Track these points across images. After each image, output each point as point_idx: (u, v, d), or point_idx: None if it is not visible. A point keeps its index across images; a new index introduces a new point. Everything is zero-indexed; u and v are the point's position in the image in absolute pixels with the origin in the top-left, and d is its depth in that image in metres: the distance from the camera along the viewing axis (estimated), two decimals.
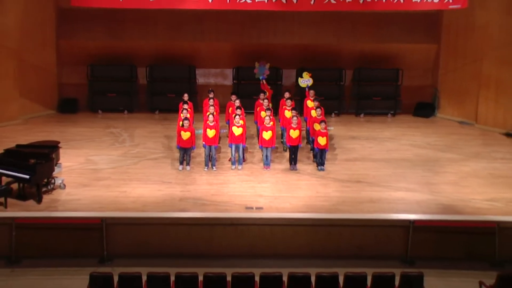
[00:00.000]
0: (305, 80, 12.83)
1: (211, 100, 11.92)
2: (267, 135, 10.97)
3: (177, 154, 11.29)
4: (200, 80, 15.32)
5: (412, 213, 9.39)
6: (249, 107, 12.86)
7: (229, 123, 11.38)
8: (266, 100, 11.95)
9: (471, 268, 8.75)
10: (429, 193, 10.24)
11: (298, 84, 13.88)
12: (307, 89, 12.68)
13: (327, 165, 11.26)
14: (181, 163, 11.01)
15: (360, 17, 14.85)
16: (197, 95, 14.88)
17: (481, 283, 7.81)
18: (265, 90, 12.73)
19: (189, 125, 10.99)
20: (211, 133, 10.85)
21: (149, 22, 14.92)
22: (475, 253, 9.05)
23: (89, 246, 8.99)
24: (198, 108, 13.65)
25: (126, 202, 9.66)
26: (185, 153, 10.96)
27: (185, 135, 10.77)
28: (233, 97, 12.26)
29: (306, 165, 11.42)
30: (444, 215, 9.44)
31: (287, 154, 11.63)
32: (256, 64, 13.21)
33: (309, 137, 11.86)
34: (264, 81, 13.08)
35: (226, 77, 14.87)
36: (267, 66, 13.22)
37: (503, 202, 9.86)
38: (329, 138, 11.49)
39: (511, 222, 9.15)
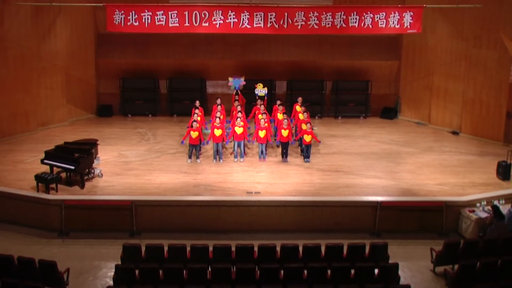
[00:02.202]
0: (260, 90, 12.68)
1: (219, 106, 11.89)
2: (262, 133, 10.95)
3: None
4: (210, 90, 15.27)
5: (379, 195, 9.40)
6: (249, 111, 12.82)
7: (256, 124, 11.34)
8: (262, 106, 11.92)
9: (424, 238, 8.80)
10: (392, 179, 10.24)
11: (287, 93, 13.90)
12: (265, 97, 12.60)
13: (312, 158, 11.26)
14: (190, 157, 10.99)
15: (337, 39, 14.81)
16: (207, 101, 14.84)
17: (432, 249, 7.86)
18: (237, 99, 12.61)
19: (199, 126, 10.98)
20: (218, 132, 10.83)
21: (169, 44, 14.87)
22: (427, 226, 9.12)
23: (121, 223, 8.99)
24: (208, 112, 13.62)
25: (150, 188, 9.65)
26: (193, 149, 10.92)
27: (194, 134, 10.75)
28: (278, 101, 12.30)
29: (295, 158, 11.41)
30: (404, 196, 9.46)
31: (279, 149, 11.62)
32: (230, 78, 13.01)
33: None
34: (238, 91, 12.89)
35: (230, 88, 14.80)
36: (243, 78, 13.03)
37: (449, 186, 9.90)
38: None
39: (456, 201, 9.22)
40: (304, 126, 11.15)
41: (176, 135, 13.00)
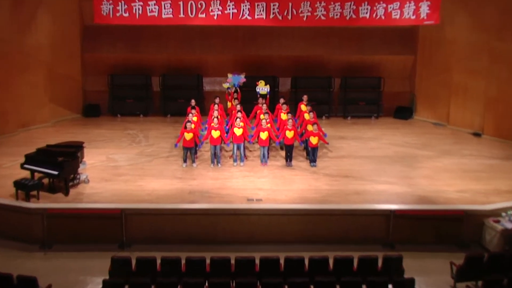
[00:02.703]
0: (262, 88, 12.67)
1: (216, 105, 11.89)
2: (264, 135, 10.94)
3: None
4: (207, 87, 15.29)
5: (392, 203, 9.36)
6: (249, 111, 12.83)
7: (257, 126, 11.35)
8: (264, 105, 11.93)
9: (442, 250, 8.75)
10: (407, 185, 10.21)
11: (292, 91, 13.84)
12: (267, 95, 12.59)
13: (318, 162, 11.24)
14: (185, 160, 10.99)
15: (346, 32, 14.82)
16: (204, 100, 14.85)
17: (451, 263, 7.79)
18: (236, 98, 12.61)
19: (195, 127, 10.99)
20: (215, 134, 10.82)
21: (162, 37, 14.90)
22: (446, 237, 9.06)
23: (110, 233, 8.97)
24: (205, 112, 13.62)
25: (142, 195, 9.63)
26: (188, 152, 10.92)
27: (188, 136, 10.75)
28: (281, 100, 12.27)
29: (300, 162, 11.39)
30: (420, 204, 9.42)
31: (283, 152, 11.60)
32: (229, 75, 13.00)
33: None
34: (238, 88, 12.86)
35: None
36: (243, 75, 13.03)
37: (470, 193, 9.86)
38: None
39: (477, 210, 9.16)
40: (310, 127, 11.15)
41: (170, 137, 13.00)
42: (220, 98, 12.60)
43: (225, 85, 12.93)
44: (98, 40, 14.78)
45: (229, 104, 12.45)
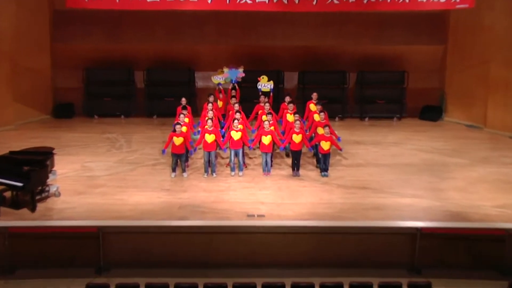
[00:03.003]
0: (264, 85, 12.73)
1: (210, 104, 11.92)
2: (266, 140, 10.95)
3: None
4: (200, 83, 15.34)
5: (419, 220, 9.34)
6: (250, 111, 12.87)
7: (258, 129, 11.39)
8: (267, 105, 11.96)
9: (480, 277, 8.69)
10: (436, 199, 10.20)
11: (299, 87, 13.84)
12: (271, 93, 12.62)
13: (331, 171, 11.24)
14: (174, 169, 11.00)
15: (362, 19, 14.87)
16: (196, 99, 14.88)
17: None
18: (234, 96, 12.64)
19: (186, 130, 11.01)
20: (210, 138, 10.83)
21: (147, 25, 14.96)
22: (484, 261, 8.99)
23: (85, 256, 8.94)
24: (198, 112, 13.64)
25: (123, 210, 9.62)
26: (178, 160, 10.95)
27: (178, 140, 10.76)
28: (287, 98, 12.33)
29: (309, 171, 11.40)
30: (452, 222, 9.39)
31: (289, 160, 11.61)
32: (225, 69, 13.04)
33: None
34: (236, 85, 12.92)
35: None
36: (241, 69, 13.07)
37: None
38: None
39: None
40: (320, 130, 11.16)
41: (156, 141, 13.02)
42: (215, 96, 12.64)
43: (216, 80, 12.96)
44: (70, 27, 14.85)
45: (219, 103, 12.43)
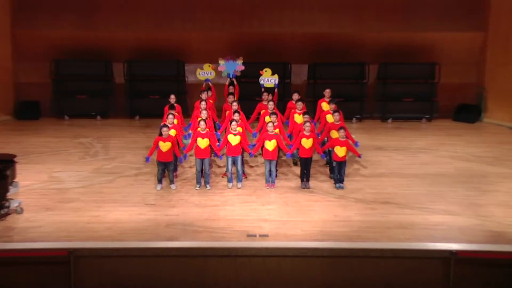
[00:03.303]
0: (268, 79, 12.81)
1: (204, 103, 11.96)
2: (270, 145, 10.98)
3: None
4: (191, 78, 15.38)
5: (453, 241, 9.31)
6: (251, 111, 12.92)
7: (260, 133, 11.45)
8: (271, 103, 11.99)
9: None
10: (474, 216, 10.18)
11: (309, 83, 13.84)
12: (275, 89, 12.69)
13: (346, 182, 11.27)
14: (160, 181, 11.04)
15: (385, 0, 14.93)
16: (186, 96, 14.93)
17: None
18: (232, 92, 12.68)
19: (175, 133, 11.06)
20: (203, 143, 10.86)
21: (128, 9, 15.05)
22: None
23: (53, 284, 8.94)
24: (188, 112, 13.69)
25: (99, 229, 9.63)
26: (165, 169, 10.99)
27: (165, 146, 10.79)
28: (295, 95, 12.38)
29: (321, 182, 11.42)
30: (494, 244, 9.36)
31: (297, 169, 11.63)
32: (221, 61, 13.12)
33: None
34: (234, 80, 12.95)
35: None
36: (240, 61, 13.14)
37: None
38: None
39: None
40: (335, 133, 11.20)
41: (138, 147, 13.06)
42: (208, 93, 12.69)
43: (202, 77, 13.01)
44: (36, 11, 14.92)
45: (202, 105, 12.23)
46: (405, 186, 11.29)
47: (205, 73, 13.06)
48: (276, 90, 12.83)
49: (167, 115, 11.41)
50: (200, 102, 12.07)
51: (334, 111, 11.65)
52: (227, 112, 12.28)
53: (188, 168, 11.90)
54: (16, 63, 15.11)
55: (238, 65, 13.14)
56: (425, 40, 15.18)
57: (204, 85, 13.07)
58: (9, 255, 8.99)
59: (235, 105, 11.91)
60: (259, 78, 12.89)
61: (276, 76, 12.85)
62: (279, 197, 10.80)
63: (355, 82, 15.26)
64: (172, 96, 12.43)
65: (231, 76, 13.15)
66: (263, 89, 12.81)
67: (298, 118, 11.83)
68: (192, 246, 9.20)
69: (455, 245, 9.17)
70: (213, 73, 13.11)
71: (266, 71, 12.91)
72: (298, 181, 11.33)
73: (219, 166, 12.03)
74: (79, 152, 12.89)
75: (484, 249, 9.22)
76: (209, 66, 13.06)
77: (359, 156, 11.50)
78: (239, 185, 11.15)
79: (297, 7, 15.00)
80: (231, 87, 13.03)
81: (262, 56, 14.63)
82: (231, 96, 12.54)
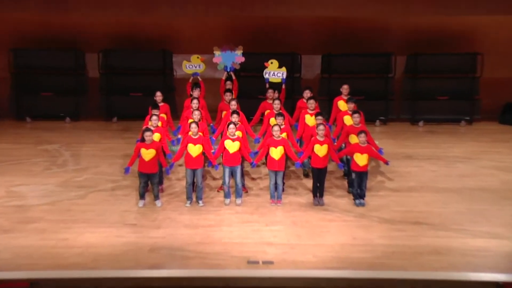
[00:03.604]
0: (274, 73, 12.81)
1: (196, 102, 11.95)
2: (276, 152, 10.96)
3: None
4: (180, 71, 15.38)
5: (499, 271, 9.29)
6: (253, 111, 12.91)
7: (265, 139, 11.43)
8: (277, 102, 11.98)
9: None
10: None
11: (323, 77, 13.81)
12: (283, 85, 12.72)
13: (368, 198, 11.24)
14: (142, 196, 11.01)
15: None
16: (175, 93, 14.92)
17: None
18: (229, 89, 12.67)
19: (161, 138, 11.07)
20: (195, 150, 10.85)
21: None
22: None
23: None
24: (177, 113, 13.68)
25: (68, 255, 9.60)
26: (148, 181, 10.97)
27: (148, 154, 10.76)
28: (307, 93, 12.37)
29: (337, 198, 11.41)
30: None
31: (309, 181, 11.59)
32: (216, 52, 13.12)
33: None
34: (232, 74, 12.95)
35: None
36: (240, 51, 13.14)
37: None
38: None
39: None
40: (354, 138, 11.18)
41: (116, 155, 13.09)
42: (203, 90, 12.69)
43: (188, 70, 13.01)
44: None
45: (194, 104, 12.18)
46: (440, 203, 11.28)
47: (192, 65, 13.07)
48: (283, 86, 12.82)
49: (150, 116, 11.40)
50: (191, 100, 12.07)
51: (354, 112, 11.64)
52: (224, 112, 12.28)
53: (177, 181, 11.88)
54: None
55: (237, 56, 13.14)
56: (464, 25, 15.18)
57: (191, 80, 13.05)
58: None
59: (233, 104, 11.90)
60: (263, 72, 12.87)
61: (283, 69, 12.85)
62: (287, 216, 10.77)
63: (379, 76, 15.26)
64: (158, 94, 12.43)
65: (228, 70, 13.15)
66: (267, 85, 12.80)
67: (310, 120, 11.83)
68: (180, 276, 9.18)
69: (502, 276, 9.12)
70: (203, 66, 13.11)
71: (271, 63, 12.91)
72: (309, 197, 11.32)
73: (214, 178, 12.01)
74: (44, 162, 12.88)
75: None
76: (197, 57, 13.06)
77: (386, 163, 11.43)
78: (238, 201, 11.14)
79: None
80: (228, 82, 13.02)
81: (266, 46, 14.64)
82: (228, 94, 12.54)
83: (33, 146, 13.63)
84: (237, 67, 13.24)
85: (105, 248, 9.76)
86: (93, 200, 11.30)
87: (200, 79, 13.06)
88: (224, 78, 13.17)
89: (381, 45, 15.33)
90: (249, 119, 12.21)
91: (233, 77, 13.14)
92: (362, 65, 15.25)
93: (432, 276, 9.23)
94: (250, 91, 13.95)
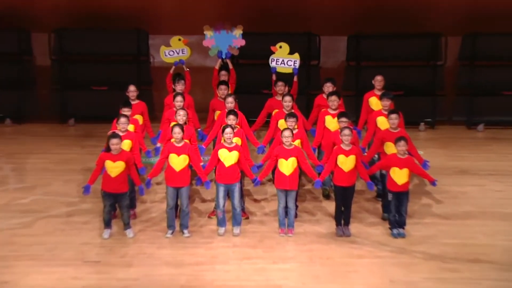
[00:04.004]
0: (283, 61, 12.90)
1: (180, 99, 11.96)
2: (287, 166, 10.97)
3: None
4: (159, 58, 15.42)
5: None
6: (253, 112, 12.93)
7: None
8: (288, 98, 11.97)
9: None
10: None
11: (349, 66, 13.83)
12: (295, 76, 12.81)
13: (410, 226, 11.24)
14: (108, 223, 10.99)
15: None
16: (151, 87, 14.94)
17: None
18: (225, 83, 12.70)
19: (132, 147, 11.12)
20: (178, 162, 10.85)
21: None
22: None
23: None
24: (156, 114, 13.70)
25: None
26: (116, 204, 10.98)
27: (115, 168, 10.75)
28: (328, 85, 12.44)
29: (368, 226, 11.42)
30: None
31: (330, 204, 11.61)
32: (208, 32, 13.15)
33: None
34: (228, 61, 13.08)
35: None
36: (238, 31, 13.14)
37: None
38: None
39: None
40: (390, 147, 11.16)
41: (73, 170, 13.13)
42: (190, 83, 12.75)
43: (168, 59, 13.04)
44: None
45: (177, 101, 12.16)
46: (507, 234, 11.28)
47: (174, 51, 13.07)
48: (295, 78, 12.83)
49: (118, 118, 11.38)
50: (174, 97, 12.09)
51: (390, 112, 11.64)
52: (218, 112, 12.27)
53: (154, 204, 11.88)
54: None
55: (236, 39, 13.16)
56: None
57: (172, 70, 13.05)
58: None
59: (230, 102, 11.89)
60: (269, 59, 12.88)
61: (296, 55, 12.86)
62: (301, 251, 10.77)
63: (424, 64, 15.26)
64: (132, 88, 12.43)
65: (224, 56, 13.16)
66: (274, 77, 12.82)
67: (332, 123, 11.87)
68: None
69: None
70: (187, 51, 13.11)
71: (280, 47, 12.92)
72: (330, 224, 11.34)
73: (204, 200, 12.00)
74: None
75: None
76: (179, 40, 13.06)
77: (433, 182, 11.45)
78: (237, 230, 11.14)
79: None
80: (223, 72, 13.03)
81: (274, 24, 14.66)
82: (223, 87, 12.53)
83: None
84: (235, 52, 13.25)
85: None
86: (42, 229, 11.29)
87: (186, 68, 13.06)
88: (217, 67, 13.18)
89: (427, 23, 15.33)
90: (251, 122, 12.23)
91: (230, 66, 13.14)
92: (401, 49, 15.24)
93: None
94: (252, 84, 13.96)
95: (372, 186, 11.33)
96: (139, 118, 12.05)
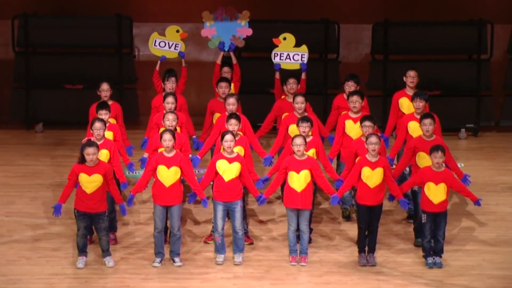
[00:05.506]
0: (288, 55, 12.94)
1: (171, 99, 12.02)
2: (299, 180, 11.00)
3: None
4: (145, 51, 15.51)
5: None
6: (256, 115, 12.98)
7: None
8: (301, 99, 11.99)
9: None
10: None
11: (375, 60, 13.92)
12: (302, 73, 12.89)
13: (448, 254, 11.27)
14: (82, 250, 11.01)
15: None
16: (136, 85, 15.02)
17: None
18: (226, 79, 12.76)
19: (111, 157, 11.17)
20: (169, 176, 10.89)
21: None
22: None
23: None
24: (139, 118, 13.77)
25: None
26: (91, 226, 11.02)
27: (90, 183, 10.79)
28: (349, 84, 12.50)
29: (398, 254, 11.46)
30: None
31: (352, 227, 11.67)
32: (207, 19, 13.17)
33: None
34: (232, 54, 13.18)
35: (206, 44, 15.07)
36: (244, 19, 13.16)
37: None
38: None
39: None
40: (425, 159, 11.20)
41: (41, 185, 13.21)
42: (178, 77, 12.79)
43: (157, 51, 13.09)
44: None
45: (167, 103, 12.21)
46: None
47: (166, 43, 13.11)
48: (303, 75, 12.84)
49: (92, 122, 11.42)
50: (164, 98, 12.14)
51: (424, 116, 11.66)
52: (217, 115, 12.31)
53: (139, 226, 11.93)
54: None
55: (241, 27, 13.20)
56: None
57: (157, 67, 13.07)
58: None
59: (232, 103, 11.94)
60: (271, 54, 12.90)
61: (304, 48, 12.87)
62: (316, 283, 10.82)
63: (466, 59, 15.31)
64: (104, 87, 12.48)
65: (226, 49, 13.20)
66: (277, 74, 12.82)
67: (354, 129, 11.92)
68: None
69: None
70: (180, 47, 13.15)
71: (284, 39, 12.91)
72: (353, 251, 11.37)
73: (198, 222, 12.05)
74: None
75: None
76: (177, 31, 13.11)
77: (476, 202, 11.47)
78: (238, 258, 11.18)
79: None
80: (226, 69, 13.05)
81: (284, 10, 14.74)
82: (224, 85, 12.57)
83: None
84: (241, 44, 13.28)
85: None
86: (3, 257, 11.34)
87: (184, 64, 13.08)
88: (218, 61, 13.21)
89: (470, 8, 15.40)
90: (256, 127, 12.27)
91: (234, 61, 13.17)
92: (438, 40, 15.27)
93: None
94: (258, 82, 14.04)
95: (406, 204, 11.33)
96: (112, 122, 12.07)
